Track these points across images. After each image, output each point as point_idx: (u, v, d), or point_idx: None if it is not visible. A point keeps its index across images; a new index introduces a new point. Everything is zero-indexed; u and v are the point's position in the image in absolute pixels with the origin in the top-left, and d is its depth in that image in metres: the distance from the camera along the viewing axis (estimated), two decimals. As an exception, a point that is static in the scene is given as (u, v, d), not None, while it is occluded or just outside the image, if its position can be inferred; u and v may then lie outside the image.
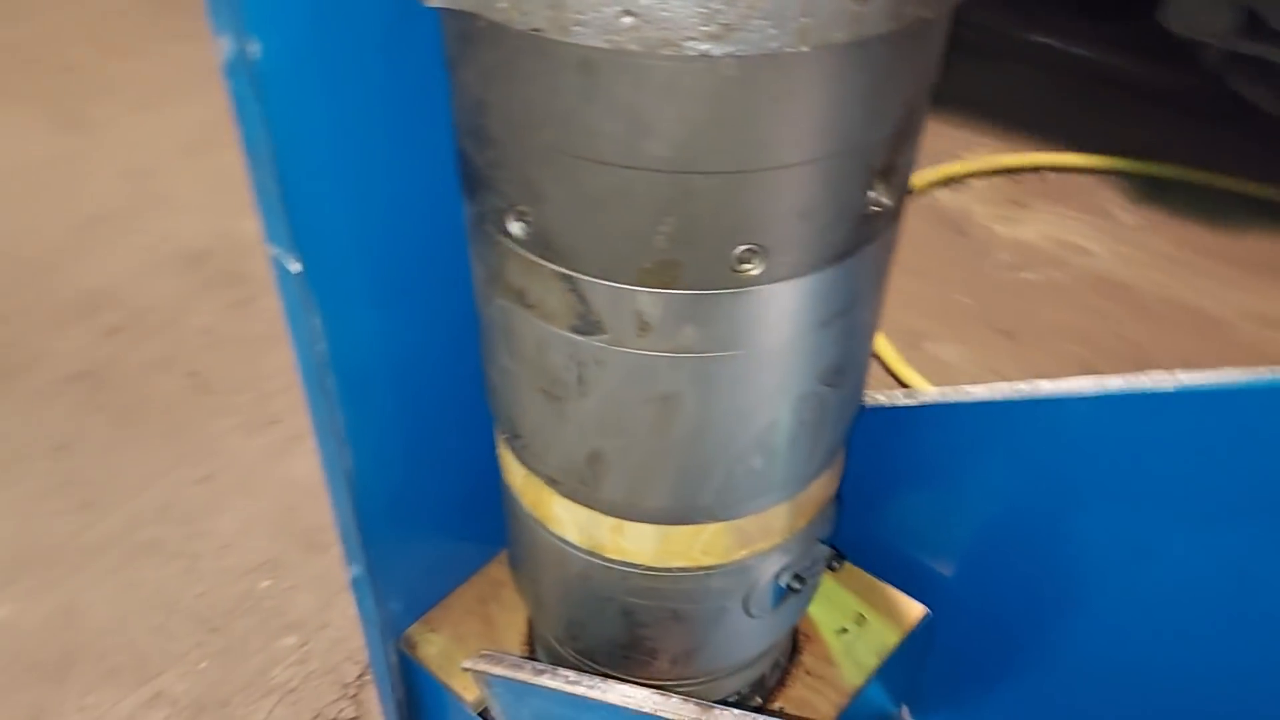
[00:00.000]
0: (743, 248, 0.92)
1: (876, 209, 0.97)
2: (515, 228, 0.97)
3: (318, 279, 1.10)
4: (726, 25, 0.75)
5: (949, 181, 3.15)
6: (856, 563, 1.66)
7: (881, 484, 1.56)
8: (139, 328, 2.78)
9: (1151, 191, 3.13)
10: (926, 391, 1.45)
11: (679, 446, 1.08)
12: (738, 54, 0.76)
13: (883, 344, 2.56)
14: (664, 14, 0.74)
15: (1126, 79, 3.58)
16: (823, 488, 1.27)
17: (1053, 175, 3.20)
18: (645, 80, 0.81)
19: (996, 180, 3.19)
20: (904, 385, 2.51)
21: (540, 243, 0.96)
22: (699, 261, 0.93)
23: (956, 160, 3.22)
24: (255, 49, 0.96)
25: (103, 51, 3.94)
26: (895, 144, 0.95)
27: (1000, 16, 3.87)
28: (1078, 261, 2.89)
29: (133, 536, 2.27)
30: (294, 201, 1.05)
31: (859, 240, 0.98)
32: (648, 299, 0.95)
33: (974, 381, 2.51)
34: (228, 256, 3.03)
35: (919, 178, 3.09)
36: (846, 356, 1.10)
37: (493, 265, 1.04)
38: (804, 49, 0.77)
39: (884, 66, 0.85)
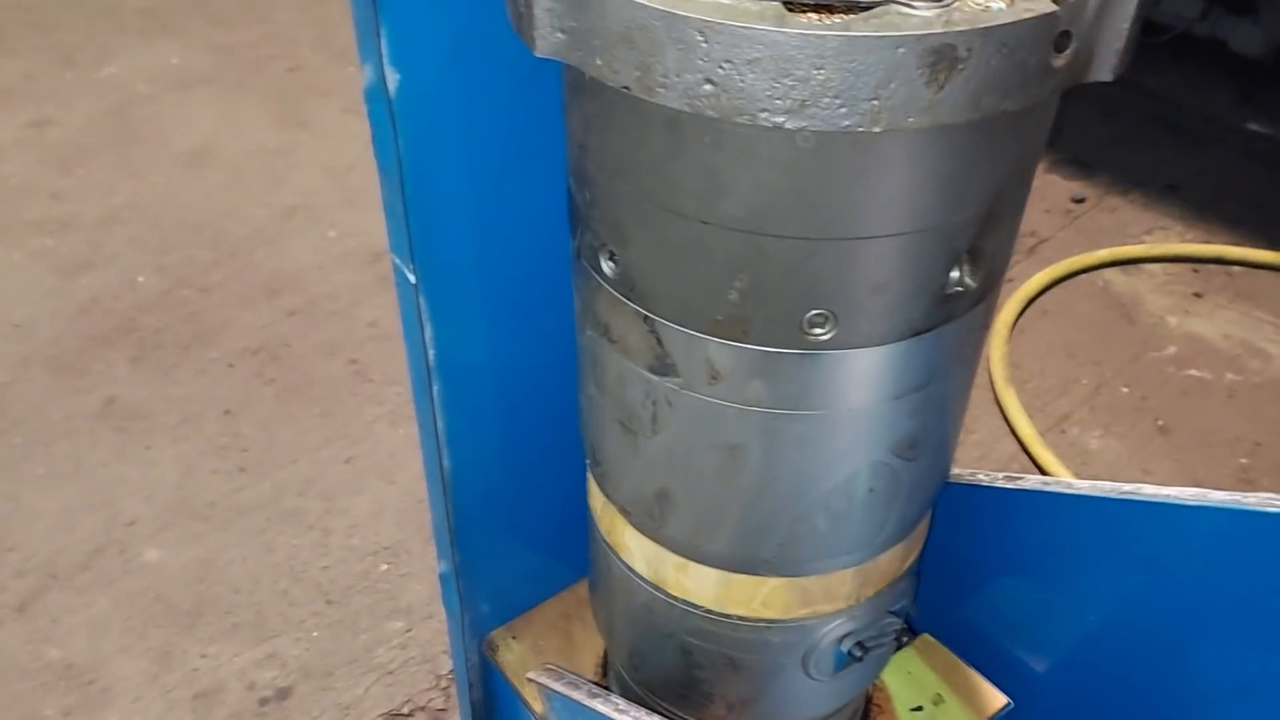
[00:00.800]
0: (813, 312, 0.94)
1: (959, 289, 0.97)
2: (606, 266, 1.03)
3: (432, 290, 1.19)
4: (800, 101, 0.78)
5: (1124, 264, 3.02)
6: (943, 640, 1.62)
7: (973, 564, 1.53)
8: (315, 313, 3.00)
9: (1349, 297, 2.91)
10: (1027, 478, 1.41)
11: (742, 495, 1.11)
12: (811, 129, 0.79)
13: (1023, 423, 2.48)
14: (741, 85, 0.78)
15: (1344, 177, 3.34)
16: (896, 559, 1.26)
17: (1239, 270, 3.02)
18: (724, 143, 0.85)
19: (1177, 269, 3.03)
20: (1039, 467, 2.42)
21: (625, 283, 1.01)
22: (769, 320, 0.95)
23: (1136, 243, 3.08)
24: (394, 78, 1.05)
25: (327, 56, 4.27)
26: (982, 226, 0.95)
27: (1216, 100, 3.68)
28: (1254, 365, 2.71)
29: (277, 504, 2.45)
30: (417, 218, 1.14)
31: (939, 318, 0.99)
32: (718, 349, 0.99)
33: (1116, 477, 2.39)
34: (405, 257, 3.23)
35: (1092, 257, 2.98)
36: (922, 431, 1.10)
37: (586, 298, 1.09)
38: (876, 130, 0.79)
39: (965, 152, 0.86)
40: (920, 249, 0.92)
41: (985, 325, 1.09)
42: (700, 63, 0.79)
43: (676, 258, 0.95)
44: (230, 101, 3.98)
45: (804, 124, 0.79)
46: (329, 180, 3.58)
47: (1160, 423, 2.58)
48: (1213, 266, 3.03)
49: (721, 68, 0.78)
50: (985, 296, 1.03)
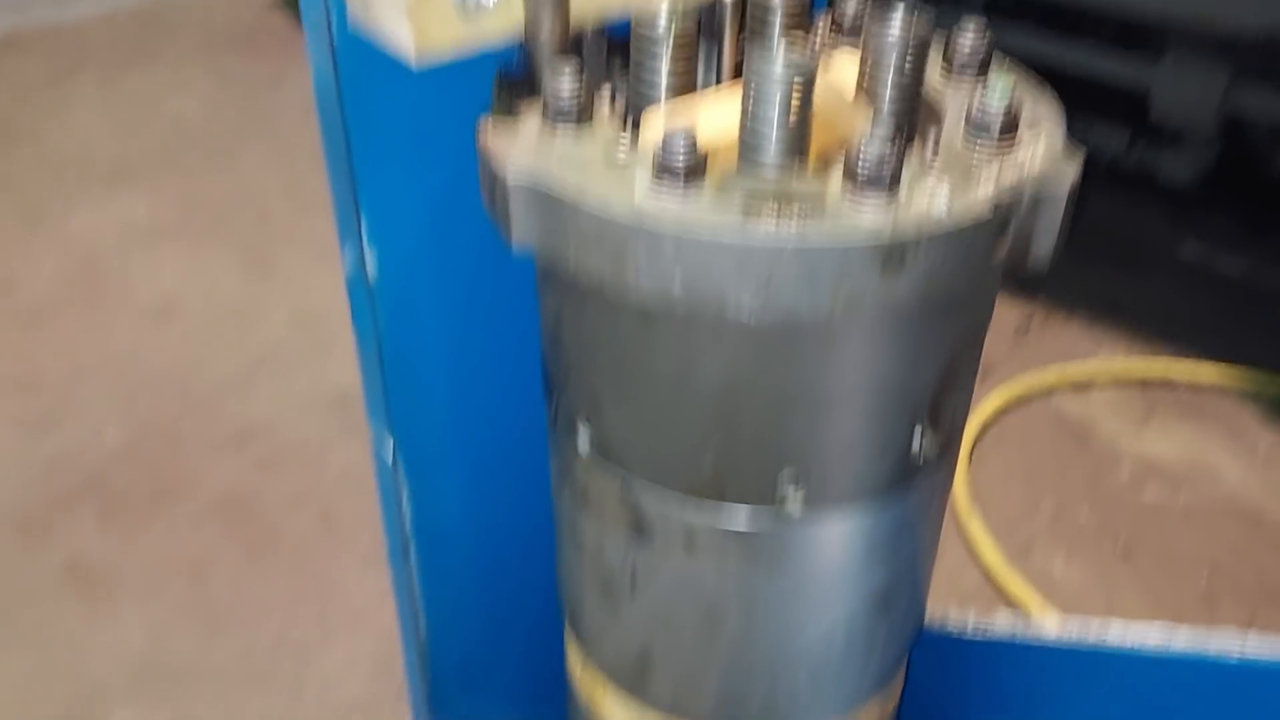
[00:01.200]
0: (785, 475, 0.99)
1: (922, 448, 1.03)
2: (582, 433, 1.07)
3: (411, 459, 1.22)
4: (765, 297, 0.84)
5: (1074, 385, 3.11)
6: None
7: (949, 711, 1.55)
8: (284, 463, 3.00)
9: (1293, 416, 3.01)
10: (997, 623, 1.44)
11: (724, 654, 1.13)
12: (776, 315, 0.85)
13: (988, 551, 2.52)
14: (707, 284, 0.84)
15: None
16: (878, 707, 1.28)
17: (1186, 390, 3.12)
18: (693, 330, 0.91)
19: (1125, 389, 3.13)
20: (1005, 596, 2.45)
21: (601, 449, 1.06)
22: (743, 483, 1.00)
23: (1083, 364, 3.19)
24: (373, 257, 1.11)
25: (295, 204, 4.36)
26: (940, 390, 1.01)
27: (1149, 225, 3.86)
28: (1209, 485, 2.79)
29: (247, 663, 2.41)
30: (395, 390, 1.18)
31: (905, 475, 1.04)
32: (695, 511, 1.03)
33: (1083, 607, 2.43)
34: (373, 401, 3.25)
35: (1040, 380, 3.07)
36: (895, 583, 1.14)
37: (563, 464, 1.13)
38: (835, 319, 0.85)
39: (918, 330, 0.93)
40: (883, 413, 0.98)
41: (948, 479, 1.14)
42: (669, 266, 0.85)
43: (652, 426, 1.00)
44: (198, 252, 4.04)
45: (768, 318, 0.85)
46: (297, 328, 3.63)
47: (1122, 547, 2.63)
48: (1159, 386, 3.13)
49: (689, 270, 0.84)
50: (947, 452, 1.08)
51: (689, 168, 0.85)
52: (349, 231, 1.08)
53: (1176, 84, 3.23)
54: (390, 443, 1.19)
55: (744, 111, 0.91)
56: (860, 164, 0.83)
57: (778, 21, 1.05)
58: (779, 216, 0.84)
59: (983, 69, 1.04)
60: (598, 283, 0.90)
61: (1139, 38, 3.29)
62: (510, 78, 1.06)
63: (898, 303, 0.85)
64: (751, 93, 0.89)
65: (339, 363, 3.43)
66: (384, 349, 1.15)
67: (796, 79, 0.87)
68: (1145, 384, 3.14)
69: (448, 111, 1.07)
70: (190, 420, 3.17)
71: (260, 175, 4.57)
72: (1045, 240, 0.91)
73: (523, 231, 0.93)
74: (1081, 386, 3.12)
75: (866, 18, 0.95)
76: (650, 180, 0.87)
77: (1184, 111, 3.27)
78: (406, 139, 1.07)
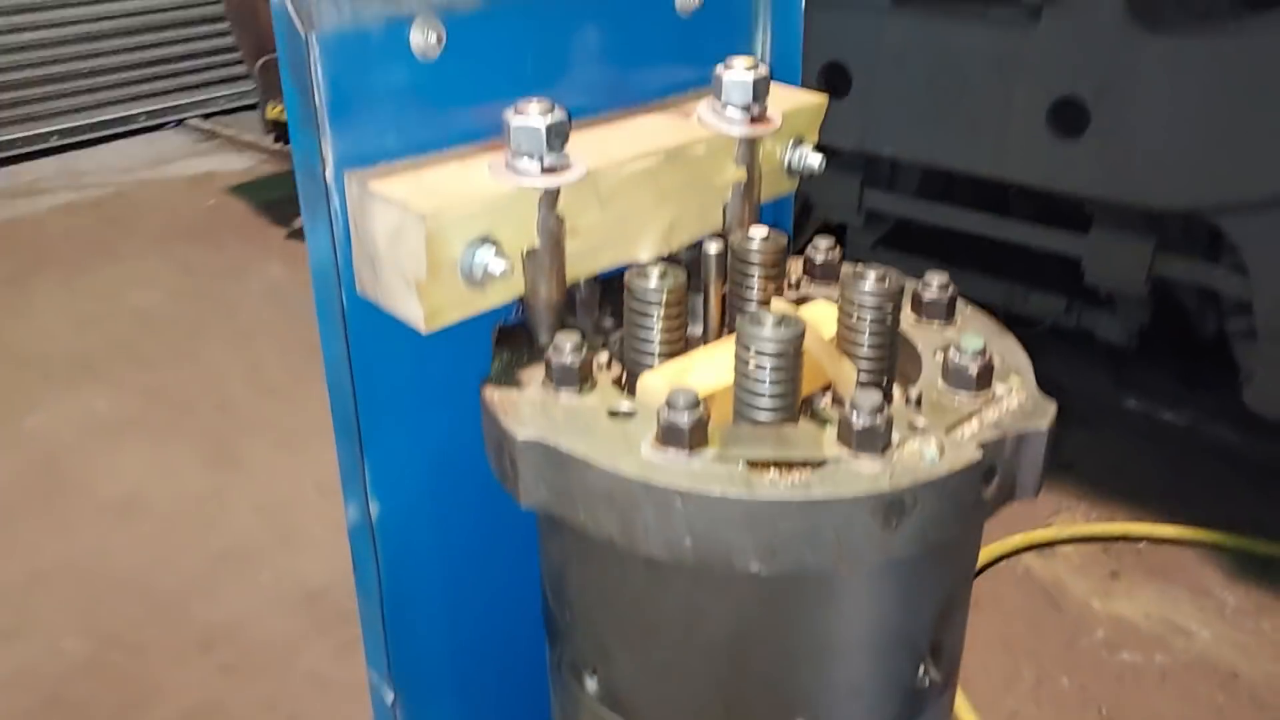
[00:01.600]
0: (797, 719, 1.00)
1: (927, 683, 1.05)
2: (589, 681, 1.08)
3: (410, 705, 1.22)
4: (772, 550, 0.88)
5: (1039, 548, 3.16)
6: None
7: None
8: (250, 666, 2.92)
9: (1253, 569, 3.08)
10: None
11: None
12: (782, 568, 0.89)
13: (975, 725, 2.51)
14: (716, 539, 0.88)
15: (1224, 449, 3.62)
16: None
17: (1146, 546, 3.19)
18: (701, 582, 0.94)
19: (1089, 549, 3.19)
20: (998, 775, 2.43)
21: (609, 697, 1.07)
22: (754, 729, 1.01)
23: (1048, 526, 3.25)
24: (376, 508, 1.13)
25: (257, 392, 4.37)
26: (940, 624, 1.04)
27: (1093, 383, 4.00)
28: (1179, 644, 2.82)
29: None
30: (395, 636, 1.19)
31: (912, 711, 1.06)
32: (706, 759, 1.03)
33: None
34: (342, 593, 3.20)
35: (1008, 543, 3.12)
36: (903, 810, 1.14)
37: (568, 710, 1.14)
38: (839, 571, 0.89)
39: (917, 574, 0.97)
40: (889, 655, 1.01)
41: (951, 699, 1.16)
42: (678, 522, 0.89)
43: (661, 675, 1.02)
44: (159, 445, 4.02)
45: (776, 570, 0.89)
46: (262, 520, 3.59)
47: (1104, 712, 2.63)
48: (1121, 544, 3.20)
49: (698, 526, 0.88)
50: (949, 678, 1.11)
51: (692, 429, 0.90)
52: (353, 484, 1.11)
53: (1105, 253, 3.40)
54: (390, 694, 1.18)
55: (739, 377, 0.97)
56: (856, 429, 0.89)
57: (757, 273, 1.13)
58: (781, 474, 0.89)
59: (949, 314, 1.12)
60: (606, 538, 0.93)
61: (1068, 212, 3.49)
62: (508, 332, 1.12)
63: (898, 552, 0.90)
64: (745, 362, 0.96)
65: (305, 556, 3.39)
66: (385, 595, 1.16)
67: (786, 350, 0.94)
68: (1110, 543, 3.21)
69: (450, 367, 1.12)
70: (154, 626, 3.08)
71: (221, 364, 4.59)
72: (1030, 474, 0.97)
73: (531, 491, 0.96)
74: (1047, 548, 3.18)
75: (844, 279, 1.03)
76: (655, 441, 0.92)
77: (1114, 277, 3.44)
78: (410, 394, 1.11)
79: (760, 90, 1.16)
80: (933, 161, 3.46)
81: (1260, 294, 3.00)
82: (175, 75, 7.36)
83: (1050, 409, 0.97)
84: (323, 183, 0.98)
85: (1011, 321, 1.00)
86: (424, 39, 1.02)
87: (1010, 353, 1.06)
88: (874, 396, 0.89)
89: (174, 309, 5.06)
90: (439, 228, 0.96)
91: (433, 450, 1.15)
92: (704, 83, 1.28)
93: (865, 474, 0.88)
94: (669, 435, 0.90)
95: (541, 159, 1.01)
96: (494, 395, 1.01)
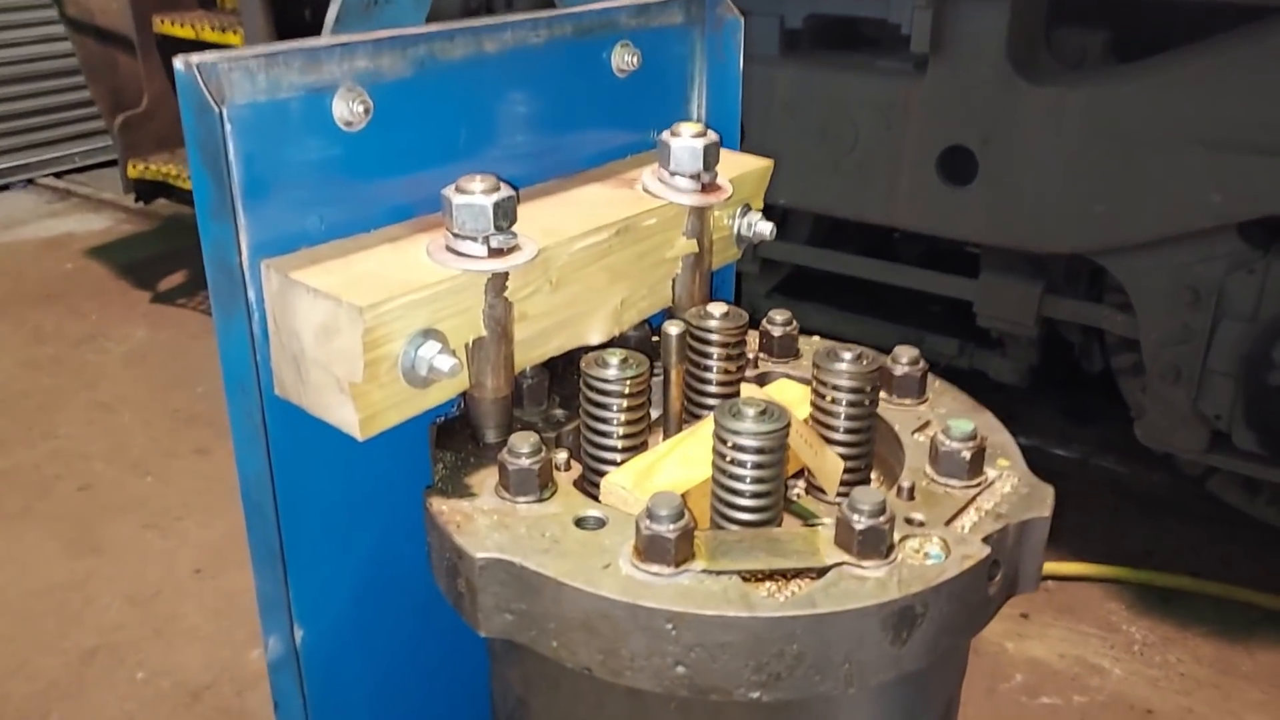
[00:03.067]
0: None
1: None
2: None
3: None
4: (774, 675, 0.78)
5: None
6: None
7: None
8: (129, 779, 2.66)
9: (1154, 602, 3.14)
10: None
11: None
12: (786, 698, 0.80)
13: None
14: (714, 666, 0.78)
15: (1114, 481, 3.71)
16: None
17: (1055, 585, 3.22)
18: (693, 713, 0.84)
19: (1001, 593, 3.20)
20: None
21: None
22: None
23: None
24: (301, 635, 0.99)
25: (122, 468, 4.06)
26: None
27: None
28: (1094, 682, 2.84)
29: None
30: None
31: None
32: None
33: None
34: (228, 690, 2.96)
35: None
36: None
37: None
38: (850, 691, 0.81)
39: (923, 684, 0.89)
40: (886, 769, 0.92)
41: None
42: (670, 649, 0.79)
43: (642, 814, 0.91)
44: (13, 533, 3.68)
45: (779, 695, 0.80)
46: (133, 611, 3.30)
47: (1030, 759, 2.61)
48: (1030, 585, 3.21)
49: (693, 652, 0.78)
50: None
51: (678, 541, 0.81)
52: (275, 613, 0.97)
53: (995, 297, 3.47)
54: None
55: (719, 475, 0.88)
56: (857, 531, 0.81)
57: (717, 354, 1.05)
58: (778, 586, 0.80)
59: (920, 390, 1.06)
60: (582, 667, 0.83)
61: (953, 254, 3.55)
62: (449, 430, 1.00)
63: (910, 664, 0.82)
64: (724, 458, 0.87)
65: (184, 649, 3.12)
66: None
67: (771, 445, 0.86)
68: (1016, 584, 3.23)
69: (382, 472, 0.99)
70: (13, 740, 2.78)
71: (81, 440, 4.26)
72: (1032, 563, 0.91)
73: (492, 617, 0.85)
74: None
75: (817, 359, 0.96)
76: (635, 555, 0.82)
77: (1005, 319, 3.51)
78: (340, 507, 0.98)
79: (710, 157, 1.08)
80: (826, 210, 3.48)
81: (1146, 331, 3.08)
82: (24, 132, 6.92)
83: (1048, 494, 0.91)
84: (238, 274, 0.85)
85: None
86: (348, 109, 0.91)
87: (991, 430, 1.00)
88: (874, 496, 0.81)
89: (26, 381, 4.69)
90: (378, 322, 0.84)
91: (363, 564, 1.02)
92: (641, 147, 1.21)
93: (871, 581, 0.80)
94: (652, 549, 0.81)
95: (488, 240, 0.91)
96: (441, 506, 0.90)
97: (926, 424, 1.02)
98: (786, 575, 0.81)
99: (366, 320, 0.83)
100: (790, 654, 0.78)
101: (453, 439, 0.99)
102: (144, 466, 4.11)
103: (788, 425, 0.86)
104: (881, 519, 0.81)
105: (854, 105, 3.23)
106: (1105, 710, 2.78)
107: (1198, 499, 3.51)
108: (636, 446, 0.98)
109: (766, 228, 1.17)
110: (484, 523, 0.87)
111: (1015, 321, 3.50)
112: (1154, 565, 3.32)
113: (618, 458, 0.97)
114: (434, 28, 0.98)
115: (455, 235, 0.91)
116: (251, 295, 0.86)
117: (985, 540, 0.85)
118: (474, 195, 0.89)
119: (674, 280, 1.13)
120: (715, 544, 0.84)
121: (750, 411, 0.87)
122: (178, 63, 0.79)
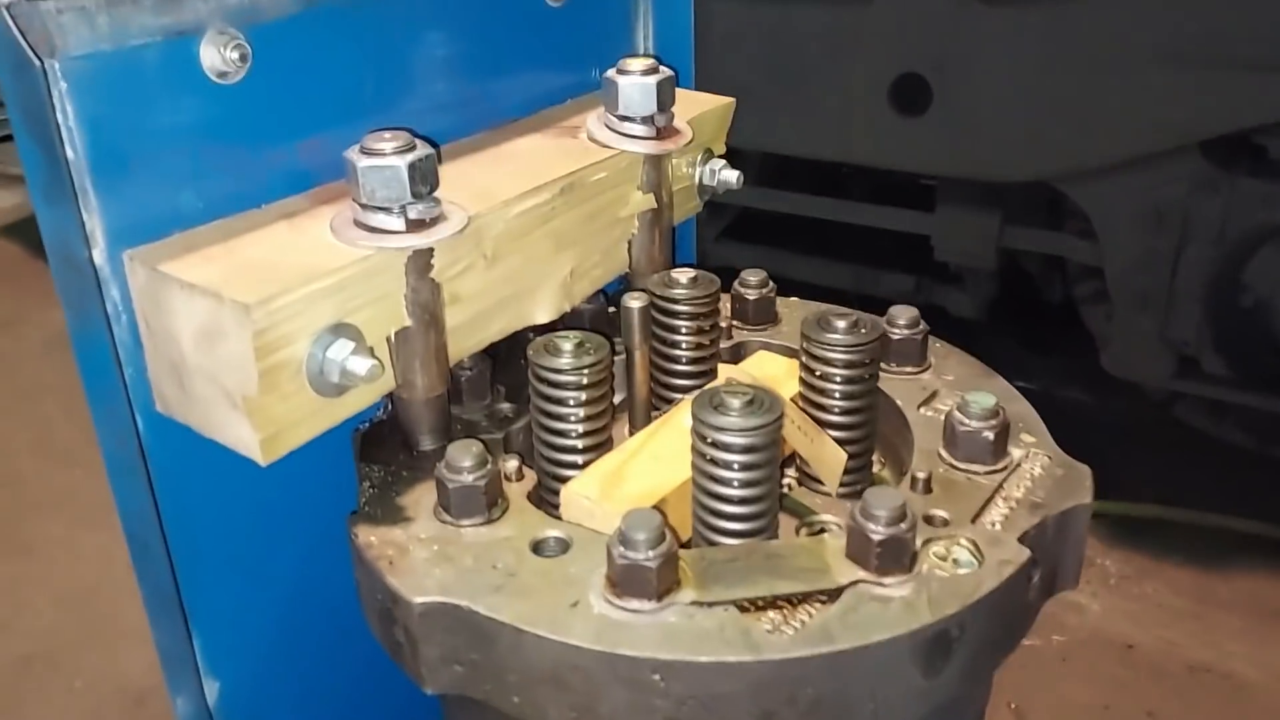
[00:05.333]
0: None
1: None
2: None
3: None
4: (788, 714, 0.65)
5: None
6: None
7: None
8: (72, 795, 2.49)
9: (1127, 533, 3.08)
10: None
11: None
12: (801, 748, 0.66)
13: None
14: (710, 710, 0.64)
15: (1079, 411, 3.64)
16: None
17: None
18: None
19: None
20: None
21: None
22: None
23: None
24: (214, 688, 0.84)
25: (49, 462, 3.83)
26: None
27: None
28: (1075, 620, 2.78)
29: None
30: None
31: None
32: None
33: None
34: (174, 690, 2.79)
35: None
36: None
37: None
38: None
39: (955, 711, 0.76)
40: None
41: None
42: (658, 703, 0.64)
43: None
44: (-67, 538, 3.45)
45: (793, 745, 0.66)
46: (68, 613, 3.11)
47: (1013, 706, 2.54)
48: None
49: (686, 706, 0.64)
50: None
51: (661, 570, 0.66)
52: (180, 670, 0.81)
53: (954, 230, 3.36)
54: None
55: (701, 480, 0.73)
56: (875, 543, 0.67)
57: (685, 327, 0.89)
58: (785, 616, 0.66)
59: (921, 356, 0.92)
60: (555, 728, 0.68)
61: (905, 189, 3.42)
62: (374, 439, 0.84)
63: (943, 695, 0.68)
64: (707, 459, 0.72)
65: (125, 652, 2.94)
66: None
67: (764, 442, 0.71)
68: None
69: (295, 493, 0.83)
70: (-57, 762, 2.60)
71: (3, 432, 4.02)
72: (1073, 559, 0.78)
73: (437, 672, 0.70)
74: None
75: (806, 328, 0.81)
76: (608, 588, 0.67)
77: (964, 252, 3.40)
78: (245, 539, 0.82)
79: (666, 96, 0.92)
80: (776, 149, 3.32)
81: (1111, 257, 2.99)
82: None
83: (1086, 475, 0.78)
84: (90, 270, 0.68)
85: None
86: (220, 57, 0.73)
87: (1008, 400, 0.87)
88: (892, 499, 0.67)
89: (-61, 371, 4.42)
90: (272, 321, 0.68)
91: (282, 600, 0.86)
92: (581, 88, 1.04)
93: (896, 603, 0.66)
94: (629, 581, 0.66)
95: (405, 210, 0.74)
96: (369, 537, 0.74)
97: (933, 395, 0.88)
98: (792, 600, 0.67)
99: (256, 320, 0.66)
100: (804, 700, 0.64)
101: (380, 449, 0.83)
102: (72, 458, 3.88)
103: (780, 418, 0.72)
104: (903, 526, 0.67)
105: (801, 36, 3.07)
106: (1085, 648, 2.72)
107: (1163, 426, 3.44)
108: (600, 445, 0.82)
109: (733, 175, 1.02)
110: (421, 556, 0.72)
111: (974, 254, 3.39)
112: (1123, 496, 3.25)
113: (579, 460, 0.82)
114: (322, -48, 0.80)
115: (364, 207, 0.74)
116: (116, 294, 0.69)
117: (1022, 539, 0.71)
118: (384, 156, 0.73)
119: (629, 242, 0.97)
120: (704, 567, 0.69)
121: (735, 403, 0.72)
122: (-16, 5, 0.61)
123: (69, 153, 0.64)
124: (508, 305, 0.86)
